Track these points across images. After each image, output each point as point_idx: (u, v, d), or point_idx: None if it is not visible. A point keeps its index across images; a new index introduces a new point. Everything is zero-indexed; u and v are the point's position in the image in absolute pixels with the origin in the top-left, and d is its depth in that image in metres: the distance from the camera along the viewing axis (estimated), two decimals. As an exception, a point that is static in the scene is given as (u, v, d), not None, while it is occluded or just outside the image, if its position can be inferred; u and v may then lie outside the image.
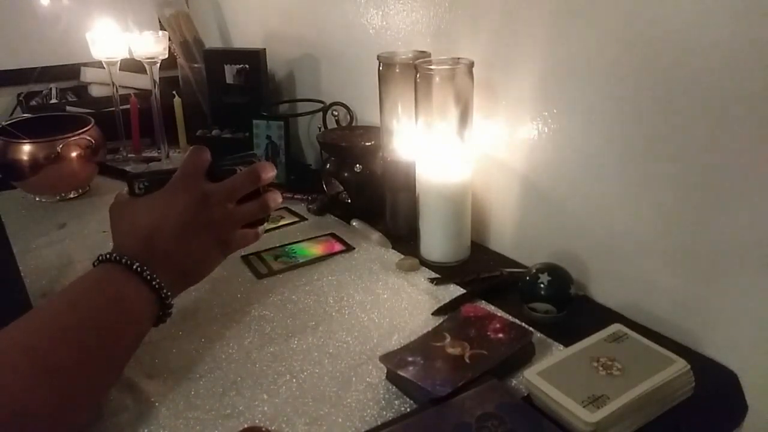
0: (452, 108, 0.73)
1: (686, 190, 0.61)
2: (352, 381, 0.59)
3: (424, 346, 0.60)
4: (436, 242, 0.80)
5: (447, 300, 0.71)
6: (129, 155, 1.30)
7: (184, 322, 0.69)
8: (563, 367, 0.55)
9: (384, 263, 0.81)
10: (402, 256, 0.82)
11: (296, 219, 0.97)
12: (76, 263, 0.84)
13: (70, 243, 0.91)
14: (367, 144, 0.92)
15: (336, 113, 1.08)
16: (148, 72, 1.22)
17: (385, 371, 0.59)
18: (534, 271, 0.67)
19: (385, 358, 0.59)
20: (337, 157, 0.97)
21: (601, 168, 0.69)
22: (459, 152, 0.76)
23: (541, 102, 0.73)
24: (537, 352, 0.61)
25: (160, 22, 1.42)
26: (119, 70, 1.25)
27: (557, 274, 0.66)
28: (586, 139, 0.69)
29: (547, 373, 0.54)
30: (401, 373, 0.56)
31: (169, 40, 1.26)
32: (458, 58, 0.74)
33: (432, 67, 0.73)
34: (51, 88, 1.58)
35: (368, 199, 0.93)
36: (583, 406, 0.50)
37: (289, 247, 0.87)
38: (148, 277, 0.56)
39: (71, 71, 1.59)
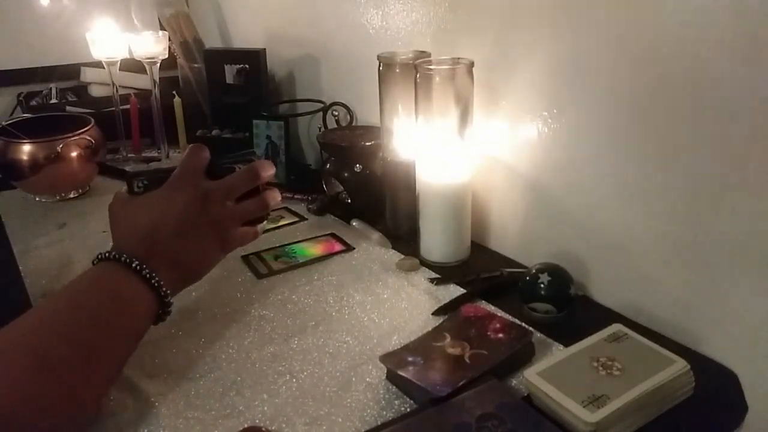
0: (452, 108, 0.73)
1: (686, 189, 0.61)
2: (352, 381, 0.58)
3: (424, 346, 0.60)
4: (436, 242, 0.80)
5: (447, 300, 0.71)
6: (129, 155, 1.29)
7: (183, 322, 0.68)
8: (563, 367, 0.55)
9: (384, 263, 0.81)
10: (402, 256, 0.82)
11: (296, 219, 0.97)
12: (76, 263, 0.84)
13: (70, 243, 0.91)
14: (367, 144, 0.92)
15: (336, 113, 1.08)
16: (148, 72, 1.22)
17: (385, 371, 0.59)
18: (534, 271, 0.67)
19: (385, 358, 0.59)
20: (337, 157, 0.97)
21: (601, 168, 0.69)
22: (459, 152, 0.76)
23: (541, 102, 0.73)
24: (537, 352, 0.61)
25: (160, 22, 1.42)
26: (119, 70, 1.25)
27: (557, 274, 0.66)
28: (586, 139, 0.69)
29: (547, 373, 0.54)
30: (401, 373, 0.56)
31: (169, 40, 1.26)
32: (458, 58, 0.74)
33: (432, 67, 0.73)
34: (51, 88, 1.57)
35: (368, 199, 0.93)
36: (583, 406, 0.50)
37: (289, 247, 0.87)
38: (147, 275, 0.56)
39: (71, 71, 1.59)
